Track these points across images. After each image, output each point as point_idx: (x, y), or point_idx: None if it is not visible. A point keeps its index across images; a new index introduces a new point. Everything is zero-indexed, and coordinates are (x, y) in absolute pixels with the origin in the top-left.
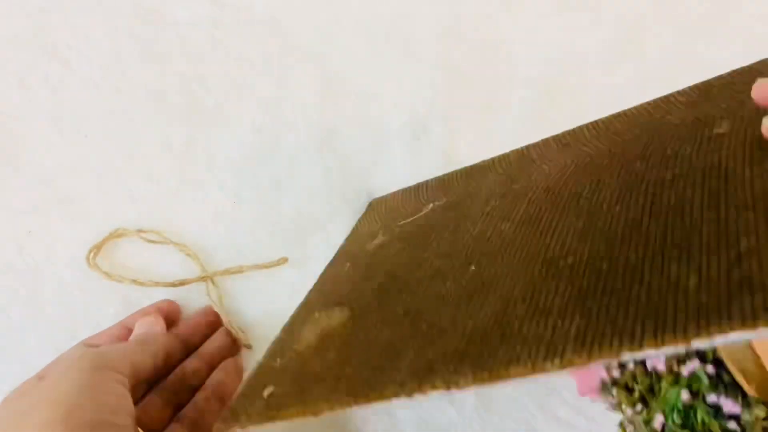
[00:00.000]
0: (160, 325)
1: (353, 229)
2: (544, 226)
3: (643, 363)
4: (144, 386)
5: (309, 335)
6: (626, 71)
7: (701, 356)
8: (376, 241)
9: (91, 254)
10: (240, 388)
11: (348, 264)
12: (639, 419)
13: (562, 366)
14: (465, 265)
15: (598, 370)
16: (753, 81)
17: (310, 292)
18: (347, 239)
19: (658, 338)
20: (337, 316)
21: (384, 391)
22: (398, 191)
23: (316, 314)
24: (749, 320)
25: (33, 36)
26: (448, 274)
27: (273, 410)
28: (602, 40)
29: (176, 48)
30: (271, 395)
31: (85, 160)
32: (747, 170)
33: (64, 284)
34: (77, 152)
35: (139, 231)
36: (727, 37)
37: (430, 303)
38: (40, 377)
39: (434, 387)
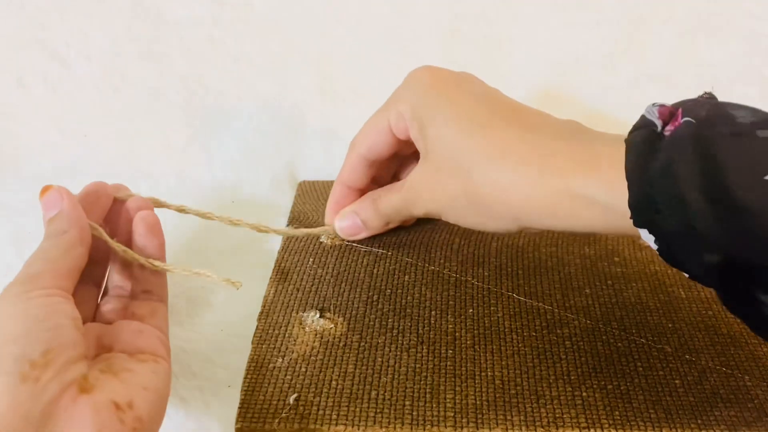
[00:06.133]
0: (67, 201)
1: (291, 212)
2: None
3: None
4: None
5: (305, 337)
6: (626, 71)
7: None
8: (328, 240)
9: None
10: (248, 386)
11: (310, 259)
12: None
13: None
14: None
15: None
16: None
17: (275, 282)
18: (290, 223)
19: None
20: (329, 323)
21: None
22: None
23: (300, 314)
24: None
25: (32, 36)
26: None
27: (311, 421)
28: (602, 40)
29: (176, 47)
30: (299, 403)
31: (85, 160)
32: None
33: None
34: (77, 152)
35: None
36: (727, 37)
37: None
38: None
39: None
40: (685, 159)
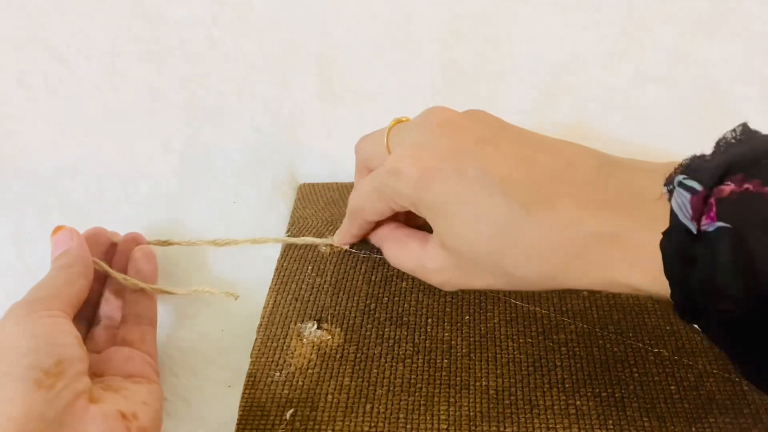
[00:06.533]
0: (76, 240)
1: (291, 217)
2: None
3: None
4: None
5: (303, 349)
6: (626, 71)
7: None
8: (327, 247)
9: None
10: (246, 401)
11: (309, 267)
12: None
13: None
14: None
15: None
16: None
17: (274, 292)
18: (290, 229)
19: None
20: (326, 335)
21: None
22: (333, 183)
23: (298, 326)
24: None
25: (33, 36)
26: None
27: None
28: (602, 40)
29: (176, 47)
30: (295, 418)
31: (85, 160)
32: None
33: None
34: (77, 152)
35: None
36: (727, 37)
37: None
38: None
39: None
40: (724, 274)
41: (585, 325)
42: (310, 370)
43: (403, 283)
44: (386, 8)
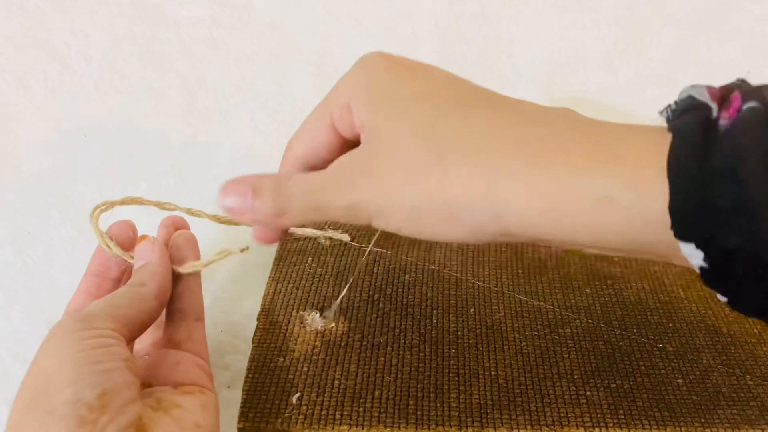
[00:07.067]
0: (156, 254)
1: None
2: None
3: None
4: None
5: (306, 336)
6: (626, 71)
7: None
8: (327, 240)
9: (97, 210)
10: (250, 386)
11: (309, 258)
12: None
13: None
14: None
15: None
16: None
17: (274, 281)
18: None
19: None
20: (330, 323)
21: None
22: None
23: (300, 313)
24: None
25: (33, 36)
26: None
27: (314, 420)
28: (602, 40)
29: (176, 48)
30: (302, 402)
31: (85, 160)
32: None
33: (64, 285)
34: (77, 152)
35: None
36: (727, 37)
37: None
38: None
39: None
40: (761, 155)
41: (590, 321)
42: (314, 357)
43: (406, 275)
44: (386, 8)
